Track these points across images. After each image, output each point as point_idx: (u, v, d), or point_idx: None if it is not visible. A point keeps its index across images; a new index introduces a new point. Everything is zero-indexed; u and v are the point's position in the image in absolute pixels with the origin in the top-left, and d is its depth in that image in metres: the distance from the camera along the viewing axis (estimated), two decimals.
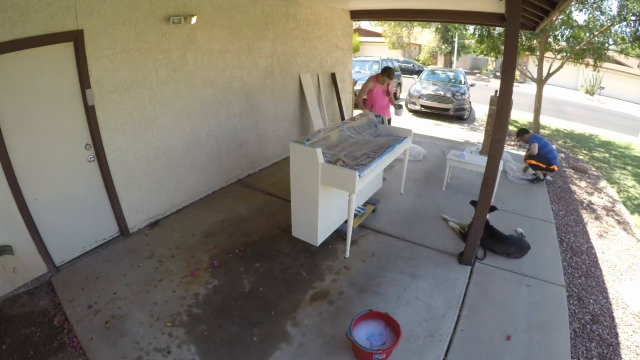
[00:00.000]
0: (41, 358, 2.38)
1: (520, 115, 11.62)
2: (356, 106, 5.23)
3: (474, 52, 10.55)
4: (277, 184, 4.90)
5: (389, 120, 5.11)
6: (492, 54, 8.88)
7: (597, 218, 5.20)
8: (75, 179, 3.18)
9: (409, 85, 11.69)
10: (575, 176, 6.73)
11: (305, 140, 3.18)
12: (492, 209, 3.85)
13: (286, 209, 3.78)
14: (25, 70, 2.67)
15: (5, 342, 2.47)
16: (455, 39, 21.30)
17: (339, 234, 3.65)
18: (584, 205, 5.56)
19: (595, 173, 7.10)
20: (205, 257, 3.36)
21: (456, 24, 10.07)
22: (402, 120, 9.92)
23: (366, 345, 2.35)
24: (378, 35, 25.61)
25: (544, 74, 8.59)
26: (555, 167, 5.45)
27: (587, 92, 19.18)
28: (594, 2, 7.56)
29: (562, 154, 7.99)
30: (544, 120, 10.23)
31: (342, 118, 7.10)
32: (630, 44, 7.58)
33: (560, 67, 8.40)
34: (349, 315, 2.62)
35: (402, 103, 11.82)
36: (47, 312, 2.76)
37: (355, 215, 3.82)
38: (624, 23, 7.27)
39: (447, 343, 2.52)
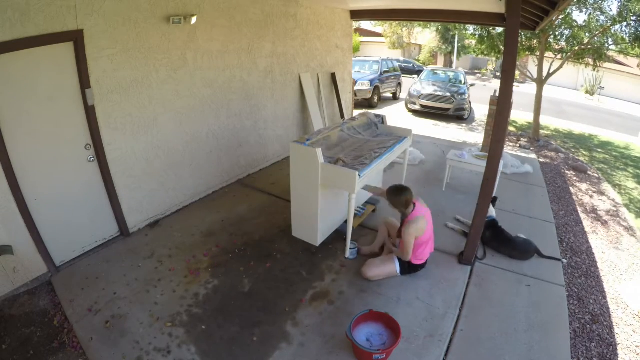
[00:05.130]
0: (41, 358, 2.37)
1: (520, 115, 11.62)
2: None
3: (474, 52, 10.55)
4: (277, 184, 4.90)
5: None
6: (492, 54, 8.88)
7: (597, 218, 5.20)
8: (75, 179, 3.18)
9: (409, 85, 11.69)
10: (575, 177, 6.73)
11: (305, 140, 3.18)
12: (493, 199, 3.86)
13: (286, 209, 3.78)
14: (26, 70, 2.67)
15: (5, 342, 2.47)
16: (456, 39, 21.31)
17: (339, 234, 3.65)
18: (584, 205, 5.56)
19: (595, 174, 7.10)
20: (206, 257, 3.36)
21: (456, 24, 10.08)
22: (402, 120, 9.94)
23: (366, 345, 2.35)
24: (378, 35, 25.63)
25: (544, 74, 8.59)
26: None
27: (587, 92, 19.18)
28: (594, 2, 7.56)
29: (562, 154, 8.00)
30: (544, 120, 10.23)
31: (342, 118, 7.10)
32: (630, 44, 7.58)
33: (560, 67, 8.40)
34: (349, 315, 2.62)
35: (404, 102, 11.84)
36: (47, 312, 2.75)
37: (355, 215, 3.81)
38: (624, 23, 7.27)
39: (447, 343, 2.52)
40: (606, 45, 8.08)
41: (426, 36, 24.50)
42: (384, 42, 25.07)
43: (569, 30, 7.97)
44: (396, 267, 3.10)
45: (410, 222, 2.92)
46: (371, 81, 11.24)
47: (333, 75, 6.90)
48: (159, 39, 3.53)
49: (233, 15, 4.34)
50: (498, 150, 3.02)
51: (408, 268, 3.12)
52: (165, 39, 3.59)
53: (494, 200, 3.89)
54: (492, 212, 3.82)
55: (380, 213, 4.19)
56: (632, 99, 18.10)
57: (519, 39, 6.20)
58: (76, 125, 3.09)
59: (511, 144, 8.19)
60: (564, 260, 3.61)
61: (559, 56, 8.70)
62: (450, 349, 2.48)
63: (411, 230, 2.89)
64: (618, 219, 5.26)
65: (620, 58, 13.25)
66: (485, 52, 9.03)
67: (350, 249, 3.38)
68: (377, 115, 4.44)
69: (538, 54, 8.57)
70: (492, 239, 3.59)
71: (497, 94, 3.44)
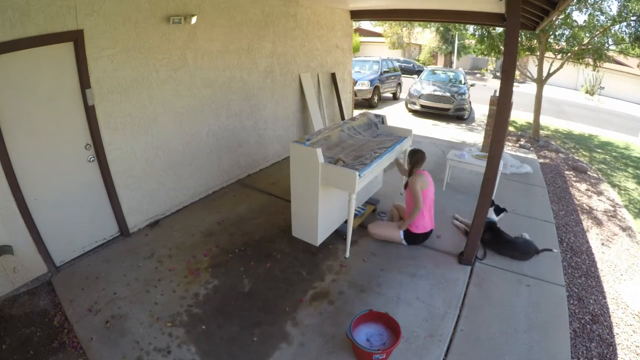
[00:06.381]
0: (41, 358, 2.37)
1: (520, 115, 11.62)
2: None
3: (474, 52, 10.53)
4: (277, 184, 4.90)
5: None
6: (492, 54, 8.88)
7: (597, 218, 5.20)
8: (75, 179, 3.18)
9: (409, 85, 11.69)
10: (575, 177, 6.73)
11: (306, 140, 3.18)
12: (502, 210, 3.88)
13: (286, 209, 3.78)
14: (26, 70, 2.67)
15: (5, 342, 2.47)
16: (456, 39, 21.31)
17: (339, 234, 3.65)
18: (584, 205, 5.56)
19: (595, 175, 7.10)
20: (205, 257, 3.36)
21: (456, 24, 10.07)
22: (402, 120, 9.94)
23: (366, 345, 2.35)
24: (378, 35, 25.63)
25: (544, 74, 8.59)
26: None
27: (587, 92, 19.18)
28: (594, 2, 7.56)
29: (562, 154, 8.00)
30: (543, 120, 10.23)
31: (342, 118, 7.10)
32: (630, 44, 7.58)
33: (560, 67, 8.40)
34: (349, 315, 2.62)
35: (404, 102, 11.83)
36: (47, 312, 2.75)
37: (356, 215, 3.81)
38: (624, 23, 7.27)
39: (447, 343, 2.52)
40: (606, 45, 8.08)
41: (426, 36, 24.48)
42: (384, 42, 25.06)
43: (569, 30, 7.97)
44: (400, 233, 3.49)
45: (417, 175, 3.39)
46: (371, 81, 11.23)
47: (333, 75, 6.90)
48: (159, 39, 3.53)
49: (233, 15, 4.34)
50: (498, 150, 3.02)
51: (411, 237, 3.49)
52: (165, 39, 3.59)
53: (501, 211, 3.87)
54: (491, 214, 3.81)
55: (385, 211, 4.19)
56: (632, 99, 18.10)
57: (519, 39, 6.20)
58: (76, 125, 3.09)
59: (511, 144, 8.19)
60: (555, 250, 3.63)
61: (559, 56, 8.70)
62: (450, 349, 2.48)
63: (417, 181, 3.34)
64: (618, 219, 5.26)
65: (620, 58, 13.24)
66: (485, 52, 9.02)
67: (381, 215, 4.13)
68: (377, 115, 4.44)
69: (538, 54, 8.56)
70: (492, 241, 3.59)
71: (497, 94, 3.44)
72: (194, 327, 2.58)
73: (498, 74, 19.76)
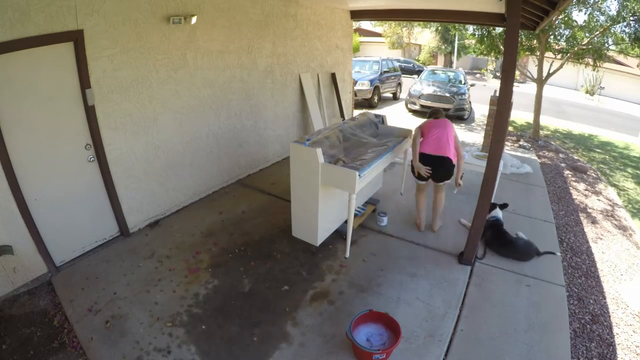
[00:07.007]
0: (41, 358, 2.37)
1: (520, 115, 11.63)
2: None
3: (474, 52, 10.53)
4: (277, 184, 4.90)
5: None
6: (492, 54, 8.88)
7: (597, 219, 5.19)
8: (76, 179, 3.18)
9: (409, 85, 11.68)
10: (575, 177, 6.73)
11: (306, 140, 3.17)
12: (503, 205, 3.95)
13: (286, 209, 3.78)
14: (26, 70, 2.67)
15: (5, 342, 2.47)
16: (456, 39, 21.30)
17: (339, 234, 3.65)
18: (584, 205, 5.56)
19: (595, 175, 7.10)
20: (206, 257, 3.36)
21: (456, 24, 10.07)
22: (402, 120, 9.94)
23: (366, 345, 2.35)
24: (378, 35, 25.64)
25: (544, 74, 8.59)
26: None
27: (587, 92, 19.18)
28: (594, 3, 7.56)
29: (562, 154, 8.00)
30: (543, 120, 10.23)
31: (342, 118, 7.10)
32: (630, 44, 7.58)
33: (560, 67, 8.40)
34: (349, 315, 2.62)
35: (404, 101, 11.81)
36: (47, 312, 2.75)
37: (355, 215, 3.81)
38: (624, 23, 7.27)
39: (447, 343, 2.52)
40: (606, 45, 8.08)
41: (426, 36, 24.48)
42: (384, 42, 25.07)
43: (568, 30, 7.97)
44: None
45: (428, 121, 3.65)
46: (371, 81, 11.23)
47: (333, 75, 6.90)
48: (159, 39, 3.53)
49: (233, 15, 4.34)
50: (498, 151, 3.02)
51: (421, 157, 3.65)
52: (165, 39, 3.59)
53: (504, 206, 3.97)
54: (498, 214, 3.82)
55: (385, 211, 4.19)
56: (632, 99, 18.10)
57: (519, 39, 6.20)
58: (76, 125, 3.09)
59: (511, 144, 8.19)
60: (558, 253, 3.63)
61: (559, 56, 8.70)
62: (450, 349, 2.48)
63: (423, 124, 3.67)
64: (618, 218, 5.26)
65: (620, 58, 13.25)
66: (485, 52, 9.02)
67: (381, 215, 3.97)
68: (377, 115, 4.44)
69: (538, 54, 8.56)
70: (493, 241, 3.58)
71: (497, 94, 3.44)
72: (194, 327, 2.58)
73: (498, 74, 19.74)
